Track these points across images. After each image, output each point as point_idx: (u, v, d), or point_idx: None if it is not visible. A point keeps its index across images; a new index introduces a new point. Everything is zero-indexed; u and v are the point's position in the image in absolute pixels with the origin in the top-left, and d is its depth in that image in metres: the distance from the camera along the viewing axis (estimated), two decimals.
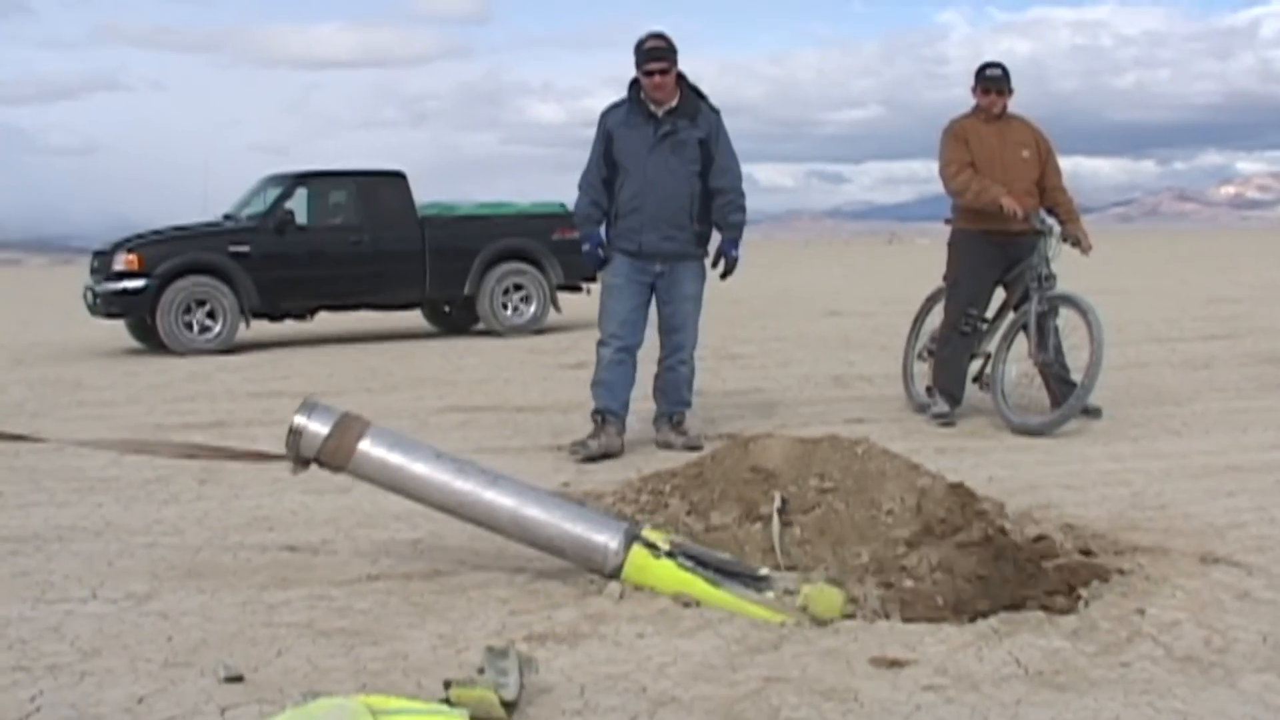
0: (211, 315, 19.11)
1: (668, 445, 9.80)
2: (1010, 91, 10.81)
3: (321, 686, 4.63)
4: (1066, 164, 11.05)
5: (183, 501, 8.23)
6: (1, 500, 8.39)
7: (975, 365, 11.03)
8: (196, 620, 5.58)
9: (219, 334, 19.09)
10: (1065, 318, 10.48)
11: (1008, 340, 10.65)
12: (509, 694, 4.30)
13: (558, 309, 21.52)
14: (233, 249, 19.23)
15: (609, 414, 9.72)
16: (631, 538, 5.92)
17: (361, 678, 4.79)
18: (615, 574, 5.89)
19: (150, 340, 19.53)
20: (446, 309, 21.92)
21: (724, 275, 9.87)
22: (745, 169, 9.91)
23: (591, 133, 9.79)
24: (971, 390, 10.97)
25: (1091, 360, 9.89)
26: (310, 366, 16.83)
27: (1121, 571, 5.97)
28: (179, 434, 11.09)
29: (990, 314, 10.99)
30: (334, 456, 6.20)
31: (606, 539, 5.93)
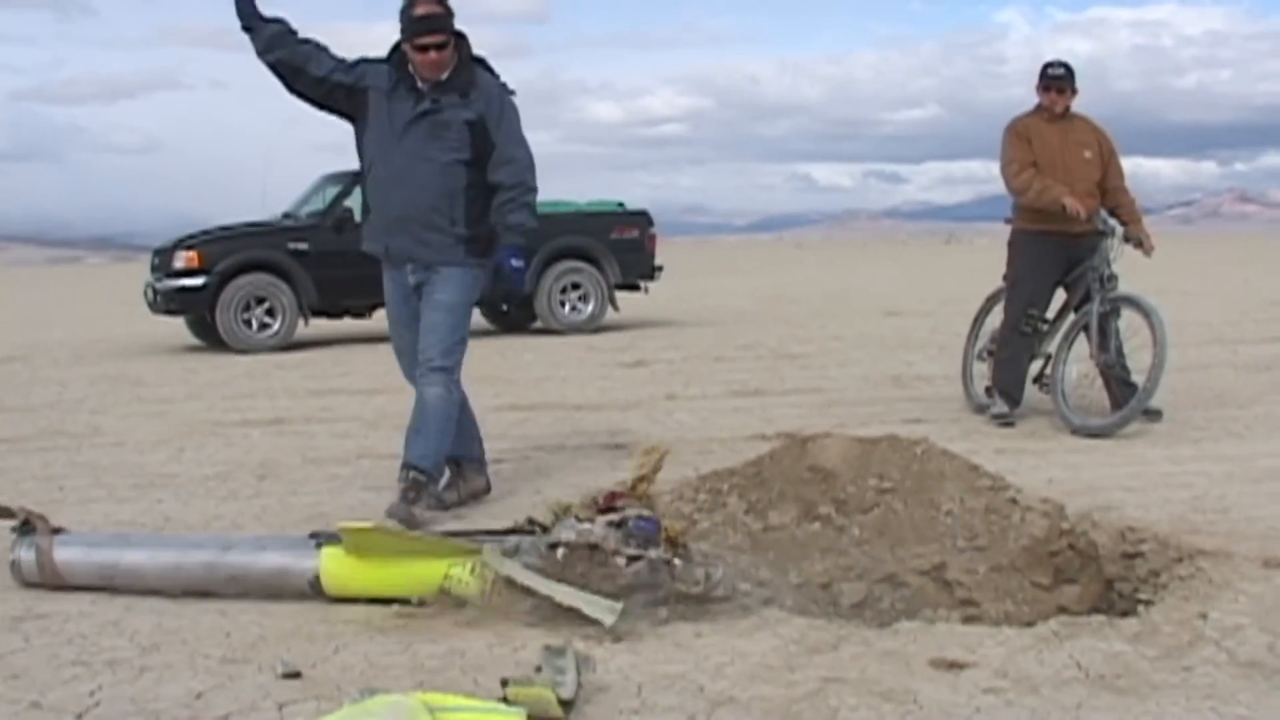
0: (270, 313, 19.22)
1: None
2: (1074, 91, 10.75)
3: (379, 683, 4.63)
4: (1126, 164, 10.98)
5: (241, 498, 8.26)
6: (62, 495, 8.44)
7: (1035, 366, 10.98)
8: (254, 617, 5.59)
9: (278, 331, 19.20)
10: (1127, 319, 10.41)
11: (1068, 341, 10.58)
12: (566, 693, 4.29)
13: (615, 307, 21.55)
14: (292, 247, 19.31)
15: (461, 460, 8.24)
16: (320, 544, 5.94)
17: (419, 675, 4.78)
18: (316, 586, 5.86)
19: (210, 337, 19.66)
20: (504, 307, 21.95)
21: (503, 294, 7.97)
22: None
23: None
24: (1031, 391, 10.92)
25: (1154, 362, 9.82)
26: (368, 364, 16.85)
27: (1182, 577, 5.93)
28: (238, 430, 11.16)
29: (1050, 314, 10.94)
30: (53, 579, 6.14)
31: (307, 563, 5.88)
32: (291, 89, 7.80)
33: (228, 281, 19.02)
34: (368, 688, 4.47)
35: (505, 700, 4.23)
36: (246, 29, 7.67)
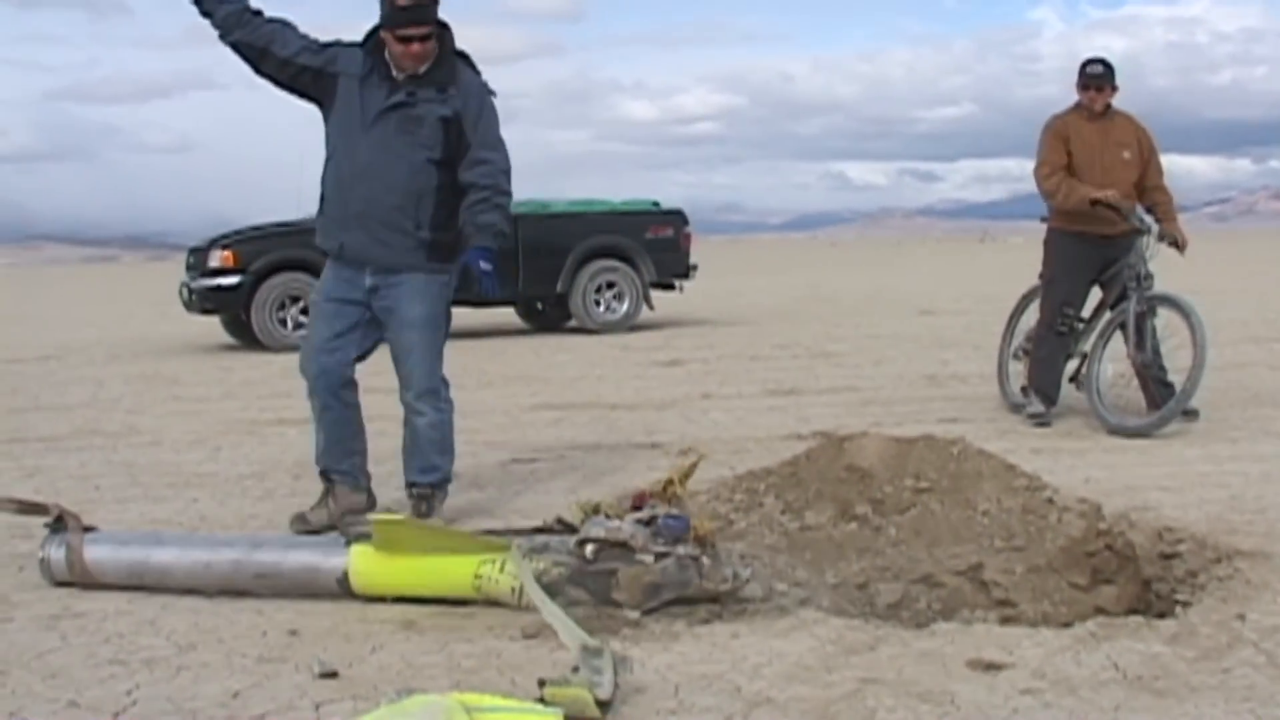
0: (305, 312, 19.22)
1: None
2: (1114, 88, 10.66)
3: (415, 683, 4.63)
4: (1162, 161, 10.92)
5: (277, 497, 8.29)
6: (98, 494, 8.47)
7: (1072, 365, 10.93)
8: (291, 616, 5.60)
9: None
10: (1164, 318, 10.36)
11: (1104, 340, 10.53)
12: (604, 693, 4.28)
13: (650, 306, 21.58)
14: None
15: (334, 474, 7.63)
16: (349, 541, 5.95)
17: (455, 675, 4.79)
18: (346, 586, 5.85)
19: (245, 336, 19.72)
20: (539, 306, 22.00)
21: (476, 299, 7.15)
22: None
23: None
24: (1068, 390, 10.87)
25: (1194, 362, 9.76)
26: None
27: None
28: (274, 429, 11.19)
29: (1086, 313, 10.89)
30: (82, 577, 6.16)
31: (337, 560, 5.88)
32: (259, 71, 7.36)
33: (263, 280, 19.08)
34: (405, 688, 4.48)
35: (542, 700, 4.22)
36: (204, 13, 7.28)
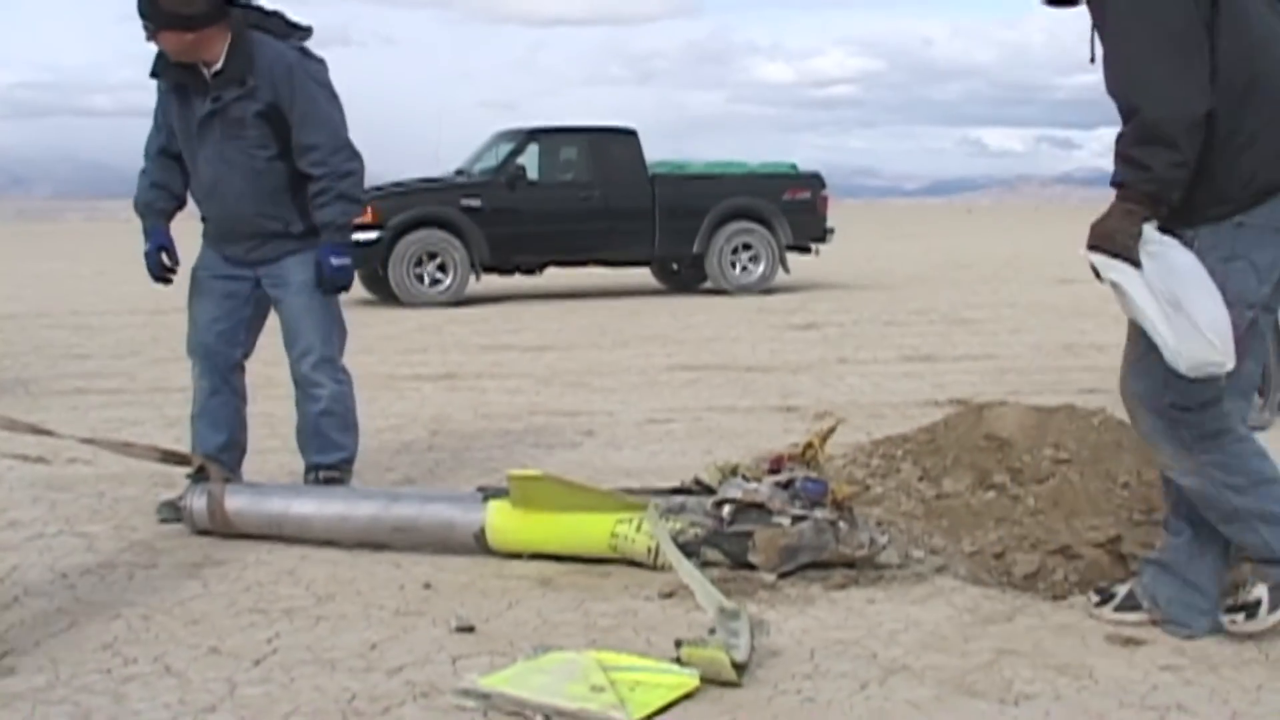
0: (442, 268, 19.40)
1: None
2: None
3: (551, 640, 4.65)
4: None
5: (414, 452, 8.35)
6: None
7: None
8: (427, 570, 5.64)
9: (449, 286, 19.37)
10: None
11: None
12: (740, 655, 4.27)
13: (786, 269, 21.53)
14: (464, 203, 19.47)
15: (207, 459, 6.65)
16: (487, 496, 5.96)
17: (591, 633, 4.80)
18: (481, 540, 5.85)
19: (382, 292, 19.87)
20: (675, 267, 22.03)
21: (325, 290, 6.58)
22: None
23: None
24: None
25: None
26: (539, 321, 16.97)
27: None
28: (410, 384, 11.26)
29: None
30: (223, 526, 6.24)
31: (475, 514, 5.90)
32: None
33: (401, 237, 19.21)
34: (541, 644, 4.51)
35: (679, 661, 4.23)
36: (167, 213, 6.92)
